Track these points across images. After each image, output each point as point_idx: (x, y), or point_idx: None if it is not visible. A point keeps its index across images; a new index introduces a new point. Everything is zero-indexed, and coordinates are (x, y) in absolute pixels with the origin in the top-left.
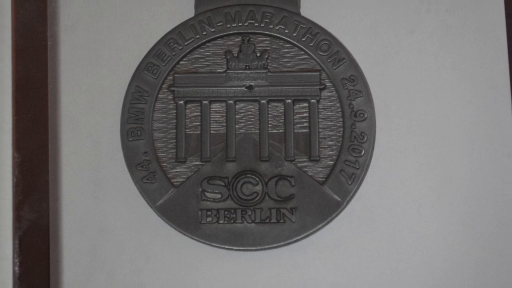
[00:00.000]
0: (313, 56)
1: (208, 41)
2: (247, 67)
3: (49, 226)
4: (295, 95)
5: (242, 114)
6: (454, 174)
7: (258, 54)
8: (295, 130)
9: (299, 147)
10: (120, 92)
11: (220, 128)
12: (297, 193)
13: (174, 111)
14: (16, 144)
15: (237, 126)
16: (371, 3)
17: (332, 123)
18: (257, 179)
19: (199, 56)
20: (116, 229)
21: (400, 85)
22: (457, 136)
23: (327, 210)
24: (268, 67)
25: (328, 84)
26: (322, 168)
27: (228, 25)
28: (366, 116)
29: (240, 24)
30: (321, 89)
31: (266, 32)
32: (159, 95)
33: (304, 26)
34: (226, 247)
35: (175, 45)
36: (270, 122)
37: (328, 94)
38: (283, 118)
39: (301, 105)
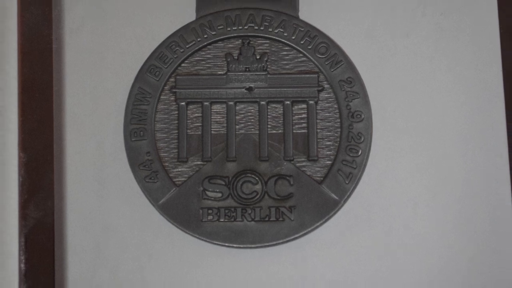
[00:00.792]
0: (311, 58)
1: (209, 44)
2: (247, 69)
3: (54, 224)
4: (294, 96)
5: (242, 115)
6: (448, 174)
7: (258, 57)
8: (294, 131)
9: (298, 147)
10: (123, 93)
11: (220, 129)
12: (296, 192)
13: (176, 112)
14: (22, 144)
15: (237, 126)
16: (367, 7)
17: (330, 123)
18: (256, 178)
19: (200, 58)
20: (119, 227)
21: (396, 86)
22: (452, 136)
23: (325, 209)
24: (268, 69)
25: (326, 86)
26: (320, 167)
27: (229, 28)
28: (363, 117)
29: (240, 28)
30: (319, 91)
31: (266, 35)
32: (161, 97)
33: (302, 30)
34: (227, 244)
35: (177, 48)
36: (269, 123)
37: (326, 95)
38: (282, 119)
39: (299, 106)
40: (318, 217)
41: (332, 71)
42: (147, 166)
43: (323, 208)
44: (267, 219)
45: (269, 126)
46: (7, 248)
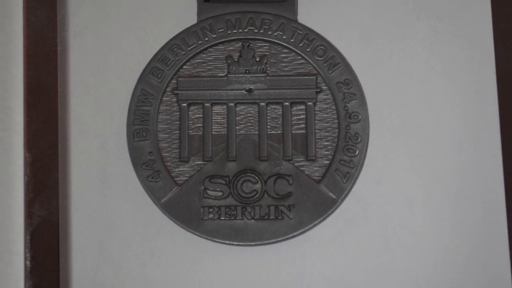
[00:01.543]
0: (309, 61)
1: (210, 47)
2: (247, 71)
3: (59, 222)
4: (293, 97)
5: (242, 116)
6: (444, 173)
7: (258, 59)
8: (293, 131)
9: (297, 147)
10: (126, 95)
11: (221, 129)
12: (295, 191)
13: (178, 113)
14: (27, 145)
15: (237, 127)
16: (365, 10)
17: (328, 124)
18: (256, 177)
19: (202, 61)
20: (122, 225)
21: (392, 88)
22: (447, 137)
23: (323, 207)
24: (267, 71)
25: (324, 87)
26: (318, 167)
27: (229, 32)
28: (360, 117)
29: (240, 31)
30: (317, 92)
31: (265, 38)
32: (164, 98)
33: (301, 33)
34: (227, 242)
35: (179, 51)
36: (269, 123)
37: (324, 97)
38: (281, 119)
39: (298, 107)
40: (316, 216)
41: (330, 73)
42: (149, 166)
43: (321, 206)
44: (266, 217)
45: (268, 126)
46: (13, 246)
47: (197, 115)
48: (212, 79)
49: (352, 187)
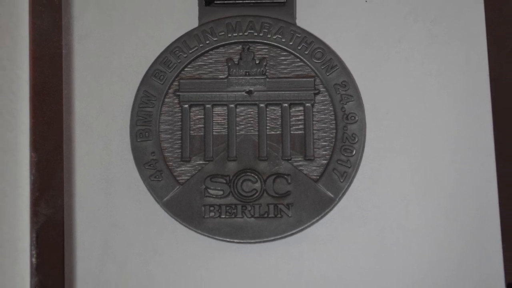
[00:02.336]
0: (308, 63)
1: (211, 49)
2: (247, 74)
3: (64, 220)
4: (291, 99)
5: (242, 117)
6: (439, 173)
7: (257, 62)
8: (291, 132)
9: (295, 147)
10: (130, 96)
11: (222, 130)
12: (293, 190)
13: (180, 114)
14: (33, 145)
15: (237, 128)
16: (361, 14)
17: (326, 125)
18: (256, 177)
19: (203, 63)
20: (126, 224)
21: (389, 90)
22: (442, 137)
23: (321, 206)
24: (266, 73)
25: (321, 89)
26: (316, 167)
27: (230, 35)
28: (357, 118)
29: (240, 34)
30: (315, 94)
31: (265, 41)
32: (166, 99)
33: (299, 36)
34: (228, 240)
35: (180, 53)
36: (268, 124)
37: (322, 98)
38: (280, 120)
39: (296, 109)
40: (314, 214)
41: (328, 75)
42: (152, 166)
43: (319, 205)
44: (266, 215)
45: (267, 127)
46: (19, 244)
47: (199, 116)
48: (213, 81)
49: (349, 186)
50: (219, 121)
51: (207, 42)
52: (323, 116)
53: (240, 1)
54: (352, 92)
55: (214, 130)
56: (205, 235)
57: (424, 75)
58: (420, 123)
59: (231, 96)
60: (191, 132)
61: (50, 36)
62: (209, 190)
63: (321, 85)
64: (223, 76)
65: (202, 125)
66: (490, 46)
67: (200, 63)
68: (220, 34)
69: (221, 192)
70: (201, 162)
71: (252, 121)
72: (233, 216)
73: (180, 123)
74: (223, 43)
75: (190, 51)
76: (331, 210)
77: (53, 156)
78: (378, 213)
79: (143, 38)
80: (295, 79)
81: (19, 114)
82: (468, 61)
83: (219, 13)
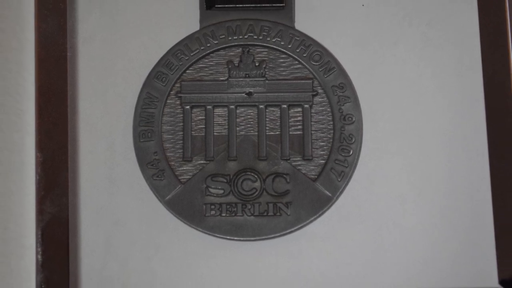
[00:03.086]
0: (306, 65)
1: (212, 52)
2: (247, 76)
3: (69, 219)
4: (290, 100)
5: (242, 118)
6: (434, 172)
7: (257, 64)
8: (290, 132)
9: (294, 147)
10: (133, 98)
11: (222, 131)
12: (292, 189)
13: (181, 115)
14: (38, 145)
15: (238, 128)
16: (358, 18)
17: (324, 126)
18: (256, 176)
19: (204, 65)
20: (128, 222)
21: (385, 91)
22: (437, 137)
23: (319, 205)
24: (266, 75)
25: (319, 90)
26: (315, 166)
27: (230, 38)
28: (354, 119)
29: (240, 37)
30: (313, 95)
31: (264, 44)
32: (168, 101)
33: (298, 39)
34: (228, 237)
35: (182, 56)
36: (267, 125)
37: (320, 99)
38: (279, 121)
39: (295, 110)
40: (312, 212)
41: (326, 77)
42: (154, 165)
43: (317, 203)
44: (265, 214)
45: (267, 128)
46: (25, 241)
47: (200, 117)
48: (214, 83)
49: (346, 185)
50: (219, 122)
51: (208, 45)
52: (321, 117)
53: (240, 5)
54: (349, 93)
55: (215, 131)
56: (206, 233)
57: (419, 77)
58: (416, 124)
59: (232, 98)
60: (192, 132)
61: (55, 39)
62: (210, 189)
63: (319, 87)
64: (224, 78)
65: (203, 126)
66: (484, 49)
67: (201, 65)
68: (220, 37)
69: (221, 191)
70: (202, 161)
71: (252, 122)
72: (233, 214)
73: (181, 123)
74: (224, 46)
75: (191, 54)
76: (329, 208)
77: (58, 156)
78: (375, 212)
79: (145, 41)
80: (294, 81)
81: (25, 115)
82: (462, 63)
83: (220, 16)
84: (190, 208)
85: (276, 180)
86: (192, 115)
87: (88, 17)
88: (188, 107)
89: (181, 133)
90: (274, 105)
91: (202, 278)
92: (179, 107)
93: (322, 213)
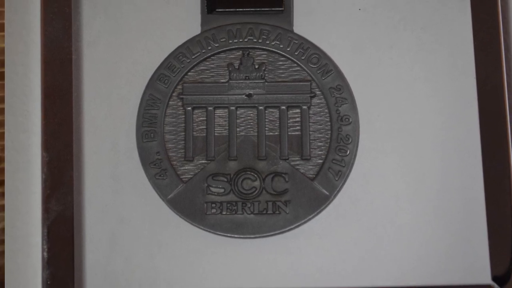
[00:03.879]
0: (304, 68)
1: (213, 55)
2: (247, 78)
3: (74, 216)
4: (289, 102)
5: (243, 119)
6: (427, 171)
7: (257, 66)
8: (289, 133)
9: (292, 147)
10: (136, 99)
11: (223, 131)
12: (291, 188)
13: (183, 116)
14: (44, 145)
15: (238, 129)
16: (355, 22)
17: (321, 126)
18: (255, 175)
19: (205, 68)
20: (132, 220)
21: (381, 93)
22: (431, 138)
23: (317, 203)
24: (265, 77)
25: (317, 92)
26: (313, 166)
27: (230, 41)
28: (351, 120)
29: (240, 40)
30: (311, 97)
31: (264, 47)
32: (170, 102)
33: (296, 42)
34: (229, 235)
35: (184, 59)
36: (267, 125)
37: (318, 101)
38: (278, 122)
39: (294, 111)
40: (310, 211)
41: (323, 79)
42: (157, 165)
43: (315, 202)
44: (264, 212)
45: (266, 128)
46: (32, 238)
47: (201, 118)
48: (214, 85)
49: (343, 184)
50: (220, 123)
51: (209, 48)
52: (319, 118)
53: (241, 9)
54: (346, 95)
55: (215, 131)
56: (207, 231)
57: (414, 79)
58: (410, 124)
59: (232, 99)
60: (194, 133)
61: (60, 42)
62: (211, 188)
63: (317, 89)
64: (224, 80)
65: (205, 127)
66: (477, 52)
67: (203, 67)
68: (221, 40)
69: (222, 190)
70: (203, 161)
71: (251, 123)
72: (233, 212)
73: (183, 124)
74: (224, 49)
75: (193, 57)
76: (326, 207)
77: (64, 156)
78: (371, 210)
79: (148, 45)
80: (293, 83)
81: (31, 116)
82: (455, 66)
83: (221, 20)
84: (191, 206)
85: (275, 179)
86: (194, 116)
87: (92, 21)
88: (189, 108)
89: (183, 133)
90: (273, 106)
91: (204, 274)
92: (181, 108)
93: (320, 211)
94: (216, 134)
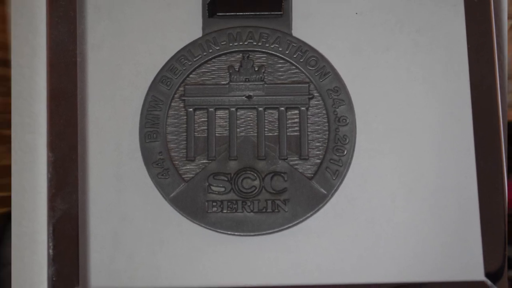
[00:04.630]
0: (303, 70)
1: (214, 58)
2: (247, 80)
3: (78, 215)
4: (288, 103)
5: (243, 120)
6: (423, 170)
7: (256, 69)
8: (288, 133)
9: (291, 147)
10: (139, 101)
11: (223, 132)
12: (289, 187)
13: (185, 117)
14: (50, 146)
15: (238, 130)
16: (352, 25)
17: (319, 127)
18: (255, 175)
19: (206, 70)
20: (135, 218)
21: (377, 95)
22: (426, 138)
23: (315, 202)
24: (265, 79)
25: (315, 94)
26: (311, 165)
27: (231, 44)
28: (348, 121)
29: (241, 43)
30: (309, 99)
31: (263, 50)
32: (172, 104)
33: (295, 45)
34: (229, 233)
35: (186, 61)
36: (266, 126)
37: (316, 102)
38: (277, 123)
39: (292, 112)
40: (309, 209)
41: (321, 81)
42: (159, 164)
43: (313, 201)
44: (264, 210)
45: (266, 129)
46: (38, 236)
47: (202, 119)
48: (215, 87)
49: (341, 183)
50: (221, 124)
51: (210, 50)
52: (317, 119)
53: (241, 13)
54: (344, 97)
55: (216, 132)
56: (208, 229)
57: (410, 81)
58: (406, 125)
59: (232, 101)
60: (195, 133)
61: (65, 45)
62: (212, 187)
63: (315, 91)
64: (225, 82)
65: (206, 127)
66: (470, 54)
67: (204, 70)
68: (222, 43)
69: (223, 189)
70: (204, 161)
71: (251, 124)
72: (234, 211)
73: (185, 125)
74: (225, 51)
75: (194, 59)
76: (324, 205)
77: (69, 156)
78: (368, 208)
79: (151, 47)
80: (291, 85)
81: (37, 117)
82: (450, 68)
83: (221, 24)
84: (193, 205)
85: (275, 178)
86: (195, 117)
87: (96, 25)
88: (191, 109)
89: (185, 134)
90: (272, 107)
91: (204, 271)
92: (183, 109)
93: (318, 210)
94: (217, 134)
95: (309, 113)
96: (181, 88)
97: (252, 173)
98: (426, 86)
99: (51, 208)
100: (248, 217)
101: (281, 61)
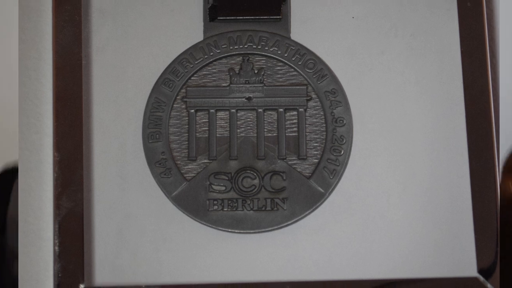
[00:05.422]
0: (301, 72)
1: (215, 60)
2: (247, 82)
3: (83, 213)
4: (286, 105)
5: (243, 121)
6: (417, 170)
7: (256, 71)
8: (286, 134)
9: (290, 148)
10: (142, 102)
11: (224, 132)
12: (288, 186)
13: (187, 118)
14: (56, 145)
15: (238, 130)
16: (349, 29)
17: (317, 128)
18: (255, 174)
19: (207, 72)
20: (138, 216)
21: (373, 96)
22: (420, 138)
23: (313, 200)
24: (264, 81)
25: (313, 96)
26: (309, 165)
27: (231, 47)
28: (345, 122)
29: (241, 46)
30: (307, 100)
31: (263, 53)
32: (174, 105)
33: (293, 48)
34: (230, 230)
35: (187, 64)
36: (265, 127)
37: (314, 104)
38: (276, 124)
39: (291, 113)
40: (307, 207)
41: (319, 83)
42: (162, 164)
43: (311, 199)
44: (263, 208)
45: (265, 130)
46: (44, 233)
47: (204, 120)
48: (216, 89)
49: (338, 182)
50: (222, 125)
51: (211, 54)
52: (315, 120)
53: (241, 18)
54: (341, 98)
55: (217, 133)
56: (209, 226)
57: (404, 83)
58: (401, 126)
59: (233, 102)
60: (197, 134)
61: (71, 48)
62: (213, 186)
63: (313, 92)
64: (226, 84)
65: (207, 128)
66: (463, 58)
67: (205, 72)
68: (222, 46)
69: (223, 188)
70: (205, 161)
71: (251, 125)
72: (234, 209)
73: (187, 126)
74: (226, 54)
75: (196, 62)
76: (322, 203)
77: (74, 156)
78: (363, 206)
79: (154, 51)
80: (290, 87)
81: (44, 118)
82: (443, 71)
83: (222, 28)
84: (194, 203)
85: (274, 177)
86: (197, 118)
87: (101, 29)
88: (193, 110)
89: (187, 134)
90: (271, 109)
91: (206, 267)
92: (185, 111)
93: (316, 208)
94: (217, 135)
95: (307, 114)
96: (183, 90)
97: (252, 172)
98: (420, 88)
99: (57, 206)
100: (248, 215)
101: (280, 64)
